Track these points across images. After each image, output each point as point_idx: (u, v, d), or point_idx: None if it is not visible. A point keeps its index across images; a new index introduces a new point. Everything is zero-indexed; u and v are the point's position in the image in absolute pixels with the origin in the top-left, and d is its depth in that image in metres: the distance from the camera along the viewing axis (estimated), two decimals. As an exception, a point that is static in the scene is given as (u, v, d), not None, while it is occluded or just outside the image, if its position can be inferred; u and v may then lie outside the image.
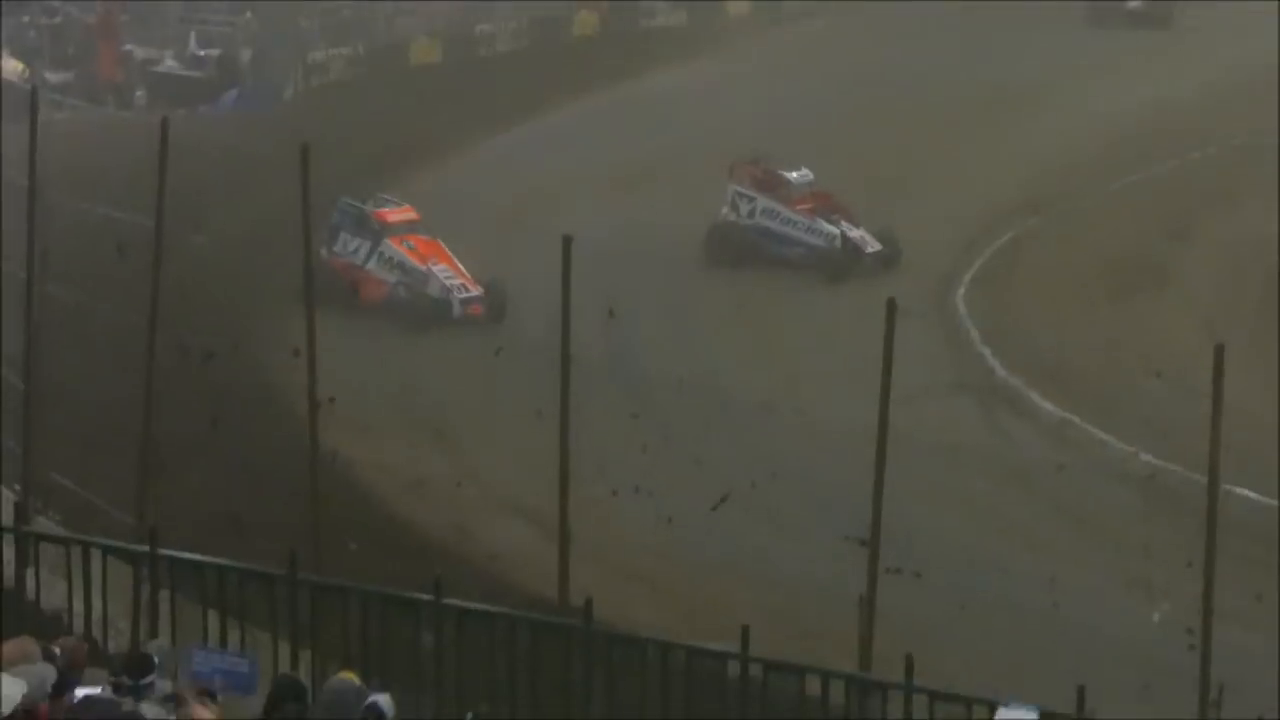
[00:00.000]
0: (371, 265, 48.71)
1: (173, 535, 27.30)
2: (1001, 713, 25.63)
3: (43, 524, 30.73)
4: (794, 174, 53.59)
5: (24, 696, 13.67)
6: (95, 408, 36.87)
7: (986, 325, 47.99)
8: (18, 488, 31.70)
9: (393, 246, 48.95)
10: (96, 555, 26.59)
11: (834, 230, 51.98)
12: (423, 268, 48.39)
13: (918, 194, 56.67)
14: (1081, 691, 25.95)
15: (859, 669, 27.71)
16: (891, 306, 32.13)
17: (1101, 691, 27.18)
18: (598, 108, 65.96)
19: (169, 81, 69.33)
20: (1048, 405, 43.60)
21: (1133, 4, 76.99)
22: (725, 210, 52.87)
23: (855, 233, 51.99)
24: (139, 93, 69.74)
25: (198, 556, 26.74)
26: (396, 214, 49.71)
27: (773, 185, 53.09)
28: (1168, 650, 29.50)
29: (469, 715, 21.70)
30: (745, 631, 26.09)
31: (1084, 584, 35.16)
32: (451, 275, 48.12)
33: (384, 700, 17.55)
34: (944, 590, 33.27)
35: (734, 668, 25.76)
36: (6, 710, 12.84)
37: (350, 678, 17.12)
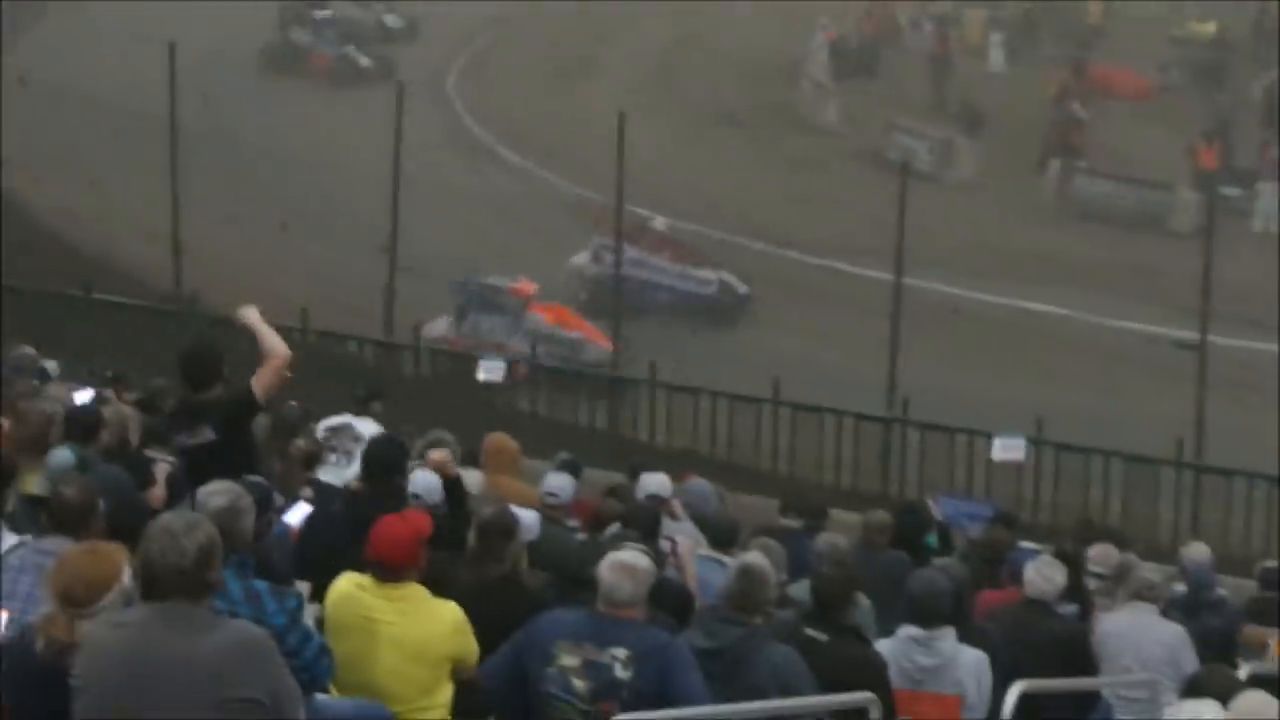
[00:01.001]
0: (514, 340, 32.73)
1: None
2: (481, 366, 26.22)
3: None
4: (655, 221, 37.48)
5: None
6: None
7: (469, 102, 47.80)
8: None
9: (537, 318, 33.75)
10: None
11: (709, 276, 36.25)
12: (575, 335, 33.39)
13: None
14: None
15: (385, 336, 28.14)
16: (400, 88, 31.95)
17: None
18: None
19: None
20: (512, 155, 43.88)
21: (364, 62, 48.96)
22: (586, 261, 35.75)
23: (720, 275, 36.50)
24: None
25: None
26: (527, 287, 34.26)
27: (637, 235, 35.50)
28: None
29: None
30: (304, 312, 26.36)
31: (538, 272, 35.68)
32: (587, 335, 33.29)
33: (53, 365, 17.45)
34: (438, 281, 33.32)
35: (298, 337, 25.90)
36: None
37: (28, 348, 16.98)
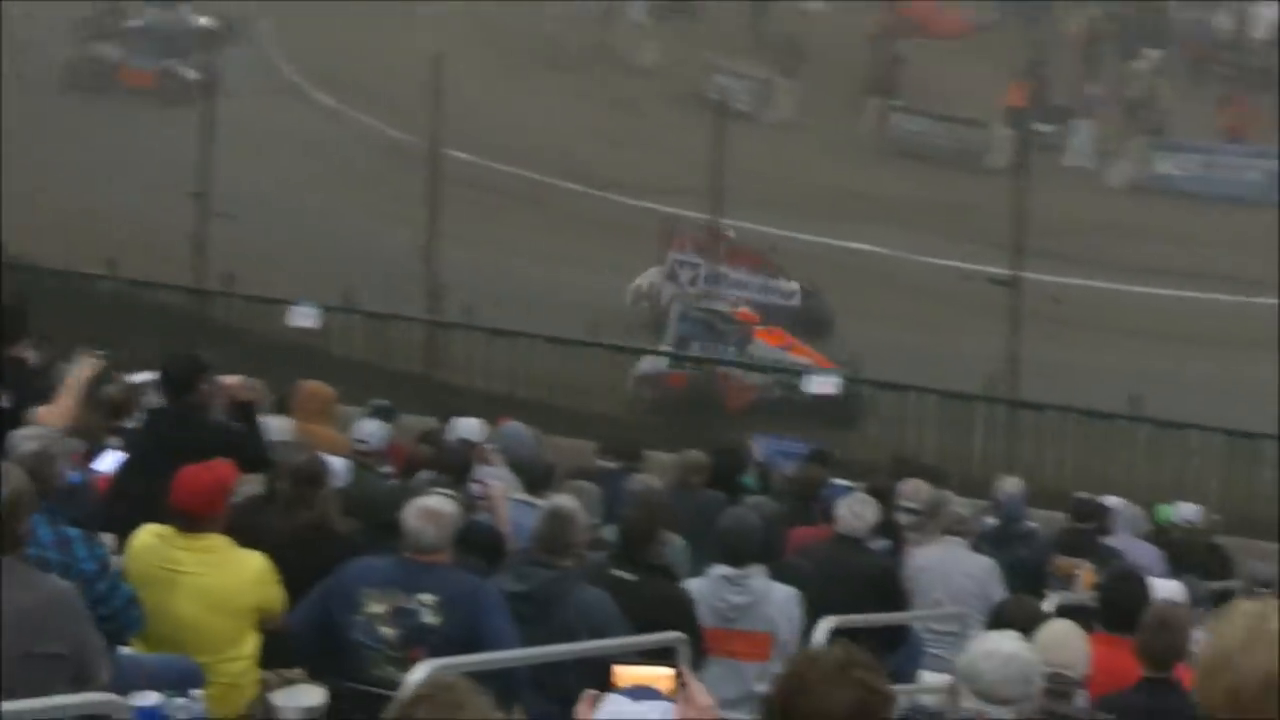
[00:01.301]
0: (735, 369, 29.59)
1: None
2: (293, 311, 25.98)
3: None
4: (730, 230, 33.26)
5: None
6: None
7: (284, 46, 47.07)
8: None
9: (766, 346, 30.27)
10: None
11: (791, 286, 32.93)
12: (804, 361, 29.65)
13: None
14: (349, 290, 26.52)
15: (195, 283, 27.80)
16: (215, 37, 31.51)
17: (364, 288, 27.85)
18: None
19: None
20: (329, 100, 43.42)
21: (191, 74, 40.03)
22: (657, 280, 32.63)
23: (800, 283, 33.17)
24: None
25: None
26: (749, 314, 31.01)
27: (713, 245, 32.74)
28: (407, 260, 29.92)
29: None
30: (112, 261, 25.98)
31: (353, 217, 35.34)
32: (814, 361, 29.75)
33: None
34: (256, 226, 32.89)
35: (107, 285, 25.61)
36: None
37: None
